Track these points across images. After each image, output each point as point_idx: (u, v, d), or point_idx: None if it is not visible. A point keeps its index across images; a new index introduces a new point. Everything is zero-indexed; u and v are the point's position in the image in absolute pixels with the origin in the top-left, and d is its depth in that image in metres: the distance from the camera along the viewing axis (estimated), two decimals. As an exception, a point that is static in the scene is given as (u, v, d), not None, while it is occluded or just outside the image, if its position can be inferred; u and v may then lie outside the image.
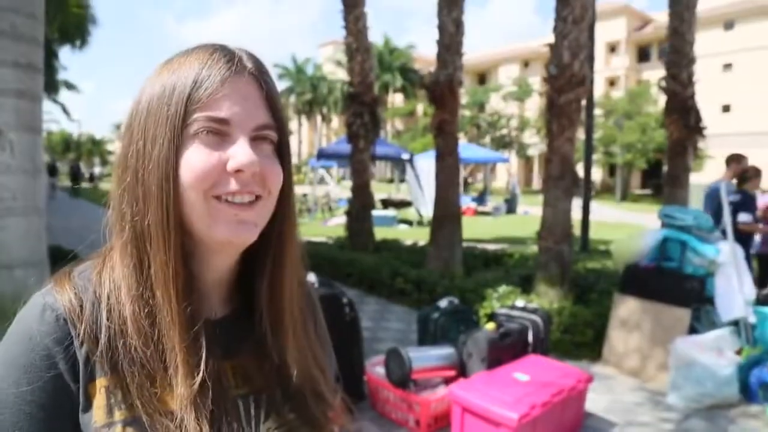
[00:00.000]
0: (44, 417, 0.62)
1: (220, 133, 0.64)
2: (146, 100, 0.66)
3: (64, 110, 25.36)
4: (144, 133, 0.64)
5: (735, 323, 4.64)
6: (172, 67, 0.66)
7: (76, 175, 31.18)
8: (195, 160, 0.63)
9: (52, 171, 26.90)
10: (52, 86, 18.66)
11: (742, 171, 6.06)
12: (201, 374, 0.64)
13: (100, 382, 0.63)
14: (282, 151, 0.70)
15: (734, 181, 6.23)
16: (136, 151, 0.65)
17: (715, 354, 4.19)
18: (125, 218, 0.65)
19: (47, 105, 24.98)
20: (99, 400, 0.63)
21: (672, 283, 4.80)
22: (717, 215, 5.55)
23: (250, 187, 0.65)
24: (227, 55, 0.66)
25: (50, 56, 15.21)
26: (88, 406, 0.63)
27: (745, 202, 5.82)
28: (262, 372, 0.73)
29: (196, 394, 0.63)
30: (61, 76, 20.94)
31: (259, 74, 0.67)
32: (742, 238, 5.69)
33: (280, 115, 0.69)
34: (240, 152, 0.63)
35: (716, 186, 6.10)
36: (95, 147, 65.28)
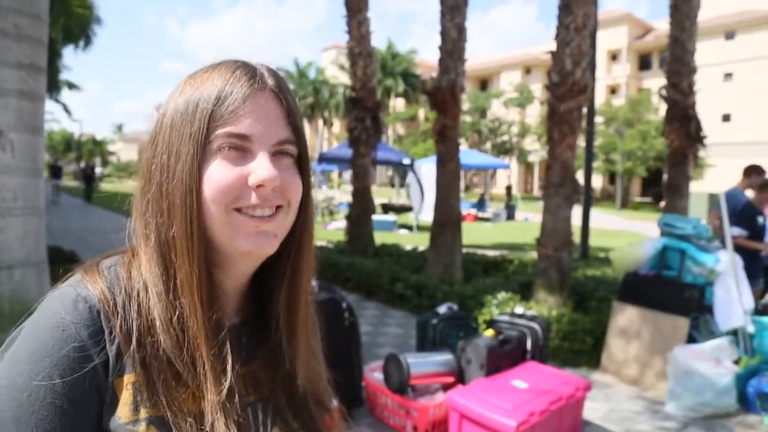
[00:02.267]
0: (75, 411, 0.61)
1: (241, 149, 0.66)
2: (170, 114, 0.68)
3: (66, 110, 25.34)
4: (168, 148, 0.66)
5: (734, 332, 4.64)
6: (195, 82, 0.68)
7: (90, 178, 25.68)
8: (218, 175, 0.65)
9: (56, 172, 24.60)
10: (54, 86, 18.69)
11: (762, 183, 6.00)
12: (228, 381, 0.66)
13: (128, 378, 0.63)
14: (301, 164, 0.72)
15: (748, 192, 6.18)
16: (160, 164, 0.67)
17: (713, 363, 4.18)
18: (149, 227, 0.67)
19: (49, 104, 24.98)
20: (125, 397, 0.63)
21: (671, 292, 4.80)
22: (737, 220, 5.49)
23: (271, 200, 0.67)
24: (249, 72, 0.68)
25: (53, 56, 15.25)
26: (115, 402, 0.63)
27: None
28: (270, 379, 0.74)
29: (225, 400, 0.65)
30: (65, 76, 21.00)
31: (280, 91, 0.70)
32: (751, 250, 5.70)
33: (299, 130, 0.71)
34: (261, 168, 0.65)
35: (733, 192, 6.04)
36: (96, 147, 65.31)
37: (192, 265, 0.65)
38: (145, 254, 0.68)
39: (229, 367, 0.66)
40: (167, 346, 0.64)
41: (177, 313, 0.65)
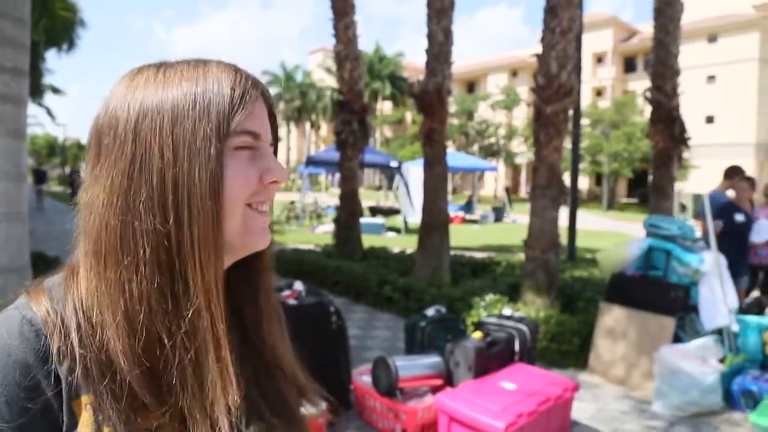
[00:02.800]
0: None
1: (253, 148, 0.67)
2: (166, 104, 0.62)
3: (49, 113, 25.01)
4: (174, 145, 0.60)
5: (719, 331, 4.69)
6: (193, 75, 0.64)
7: (75, 183, 24.83)
8: (240, 171, 0.65)
9: (40, 177, 24.43)
10: (37, 90, 18.49)
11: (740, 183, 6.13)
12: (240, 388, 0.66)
13: (86, 399, 0.60)
14: None
15: (729, 192, 6.28)
16: (166, 161, 0.60)
17: (699, 362, 4.23)
18: (137, 235, 0.60)
19: (32, 108, 24.61)
20: (85, 418, 0.60)
21: (657, 292, 4.84)
22: (716, 216, 5.55)
23: (271, 196, 0.71)
24: (246, 74, 0.68)
25: (36, 59, 15.09)
26: (74, 424, 0.60)
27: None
28: (242, 376, 0.71)
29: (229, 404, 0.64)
30: (48, 79, 20.75)
31: (268, 94, 0.72)
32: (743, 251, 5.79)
33: (277, 132, 0.75)
34: (277, 166, 0.69)
35: (715, 194, 6.15)
36: (81, 152, 64.73)
37: (217, 269, 0.62)
38: (126, 269, 0.60)
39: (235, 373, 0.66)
40: (136, 377, 0.59)
41: (173, 331, 0.60)
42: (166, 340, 0.60)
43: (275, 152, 0.74)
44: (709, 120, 36.78)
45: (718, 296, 4.71)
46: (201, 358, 0.61)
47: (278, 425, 0.74)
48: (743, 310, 5.20)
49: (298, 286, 4.13)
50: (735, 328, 4.70)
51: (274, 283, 0.79)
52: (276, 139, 0.74)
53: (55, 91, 22.42)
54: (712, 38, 37.34)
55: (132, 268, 0.60)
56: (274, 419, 0.74)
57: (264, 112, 0.70)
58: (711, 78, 37.20)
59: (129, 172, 0.61)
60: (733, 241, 5.71)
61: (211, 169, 0.61)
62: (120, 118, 0.62)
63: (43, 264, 6.01)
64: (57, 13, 13.86)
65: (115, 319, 0.60)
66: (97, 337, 0.61)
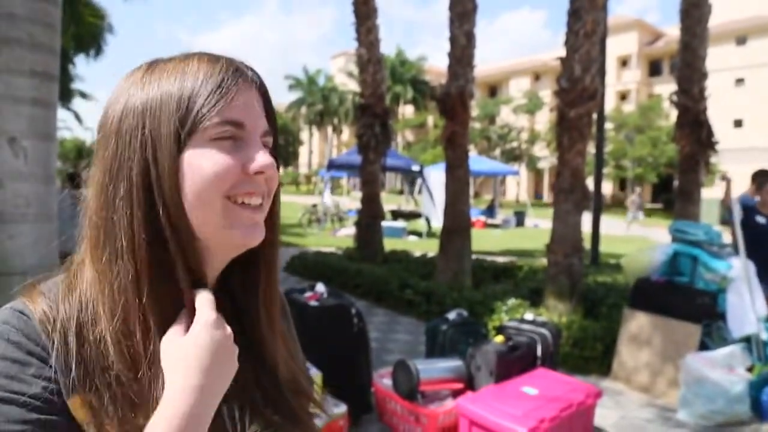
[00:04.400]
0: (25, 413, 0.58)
1: (235, 137, 0.65)
2: (144, 101, 0.63)
3: (77, 118, 25.57)
4: (150, 138, 0.62)
5: (747, 340, 4.59)
6: (173, 70, 0.65)
7: None
8: (216, 162, 0.63)
9: (75, 180, 23.37)
10: (66, 94, 18.86)
11: None
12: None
13: (81, 397, 0.60)
14: (274, 156, 0.72)
15: (758, 197, 6.12)
16: (140, 157, 0.62)
17: (726, 371, 4.14)
18: (116, 228, 0.62)
19: (61, 112, 25.09)
20: (81, 415, 0.60)
21: (683, 299, 4.75)
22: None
23: (261, 188, 0.67)
24: (232, 63, 0.67)
25: (65, 64, 15.39)
26: (69, 422, 0.60)
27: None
28: (242, 376, 0.71)
29: None
30: (76, 85, 21.16)
31: (261, 83, 0.70)
32: None
33: (275, 122, 0.72)
34: (260, 155, 0.65)
35: (743, 198, 5.98)
36: (108, 155, 65.76)
37: (185, 261, 0.63)
38: (107, 261, 0.63)
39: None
40: (123, 370, 0.61)
41: (149, 323, 0.62)
42: (138, 334, 0.62)
43: (275, 140, 0.71)
44: (738, 124, 36.13)
45: (746, 303, 4.61)
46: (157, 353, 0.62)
47: (280, 425, 0.74)
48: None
49: (320, 288, 4.15)
50: (764, 336, 4.59)
51: (277, 284, 0.77)
52: (274, 128, 0.71)
53: (84, 96, 22.87)
54: (741, 40, 36.70)
55: (113, 260, 0.62)
56: (276, 418, 0.73)
57: (252, 101, 0.67)
58: (739, 81, 36.57)
59: (111, 168, 0.63)
60: (759, 247, 5.58)
61: (171, 162, 0.62)
62: (108, 118, 0.66)
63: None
64: (86, 19, 14.15)
65: (104, 311, 0.62)
66: (96, 329, 0.62)
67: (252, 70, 0.70)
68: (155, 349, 0.62)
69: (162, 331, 0.62)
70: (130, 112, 0.64)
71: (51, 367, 0.60)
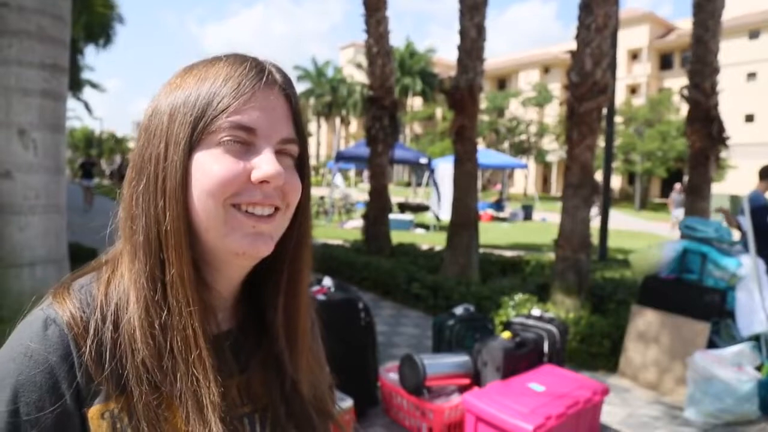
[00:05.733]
0: None
1: (245, 143, 0.63)
2: (170, 103, 0.64)
3: (87, 107, 25.72)
4: (166, 137, 0.63)
5: (756, 338, 4.56)
6: (199, 73, 0.65)
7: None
8: (219, 166, 0.62)
9: (88, 171, 18.12)
10: (76, 84, 18.90)
11: None
12: (219, 390, 0.62)
13: (103, 407, 0.60)
14: (302, 166, 0.70)
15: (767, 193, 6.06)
16: (157, 154, 0.63)
17: (734, 369, 4.11)
18: (137, 223, 0.63)
19: (70, 102, 25.14)
20: (102, 427, 0.60)
21: (691, 296, 4.72)
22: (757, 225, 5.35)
23: (272, 199, 0.64)
24: (258, 66, 0.66)
25: (75, 54, 15.43)
26: None
27: None
28: (267, 389, 0.71)
29: (216, 413, 0.62)
30: (86, 75, 21.24)
31: (288, 88, 0.68)
32: None
33: (303, 131, 0.69)
34: (266, 163, 0.63)
35: (753, 195, 5.90)
36: (117, 145, 66.18)
37: (183, 262, 0.62)
38: (129, 253, 0.64)
39: (218, 377, 0.63)
40: (147, 358, 0.61)
41: (160, 319, 0.62)
42: (158, 330, 0.62)
43: (302, 147, 0.69)
44: (749, 118, 35.76)
45: (756, 302, 4.57)
46: (177, 353, 0.62)
47: None
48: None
49: (327, 281, 4.15)
50: (773, 334, 4.56)
51: (302, 301, 0.74)
52: (301, 135, 0.69)
53: (93, 86, 22.95)
54: (754, 34, 36.25)
55: (134, 252, 0.64)
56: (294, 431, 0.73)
57: (272, 105, 0.65)
58: (751, 75, 36.15)
59: (136, 165, 0.66)
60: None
61: (179, 162, 0.62)
62: (143, 117, 0.67)
63: (80, 255, 6.16)
64: (96, 9, 14.17)
65: (133, 300, 0.63)
66: (126, 318, 0.63)
67: (281, 72, 0.68)
68: (172, 338, 0.62)
69: (176, 323, 0.63)
70: (158, 112, 0.65)
71: (74, 376, 0.59)
